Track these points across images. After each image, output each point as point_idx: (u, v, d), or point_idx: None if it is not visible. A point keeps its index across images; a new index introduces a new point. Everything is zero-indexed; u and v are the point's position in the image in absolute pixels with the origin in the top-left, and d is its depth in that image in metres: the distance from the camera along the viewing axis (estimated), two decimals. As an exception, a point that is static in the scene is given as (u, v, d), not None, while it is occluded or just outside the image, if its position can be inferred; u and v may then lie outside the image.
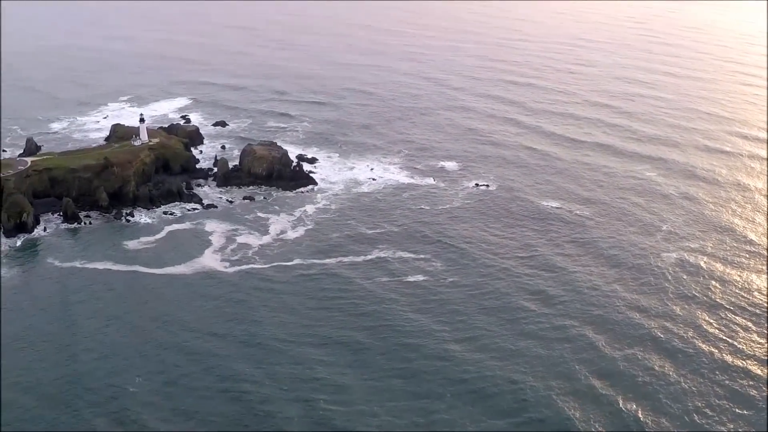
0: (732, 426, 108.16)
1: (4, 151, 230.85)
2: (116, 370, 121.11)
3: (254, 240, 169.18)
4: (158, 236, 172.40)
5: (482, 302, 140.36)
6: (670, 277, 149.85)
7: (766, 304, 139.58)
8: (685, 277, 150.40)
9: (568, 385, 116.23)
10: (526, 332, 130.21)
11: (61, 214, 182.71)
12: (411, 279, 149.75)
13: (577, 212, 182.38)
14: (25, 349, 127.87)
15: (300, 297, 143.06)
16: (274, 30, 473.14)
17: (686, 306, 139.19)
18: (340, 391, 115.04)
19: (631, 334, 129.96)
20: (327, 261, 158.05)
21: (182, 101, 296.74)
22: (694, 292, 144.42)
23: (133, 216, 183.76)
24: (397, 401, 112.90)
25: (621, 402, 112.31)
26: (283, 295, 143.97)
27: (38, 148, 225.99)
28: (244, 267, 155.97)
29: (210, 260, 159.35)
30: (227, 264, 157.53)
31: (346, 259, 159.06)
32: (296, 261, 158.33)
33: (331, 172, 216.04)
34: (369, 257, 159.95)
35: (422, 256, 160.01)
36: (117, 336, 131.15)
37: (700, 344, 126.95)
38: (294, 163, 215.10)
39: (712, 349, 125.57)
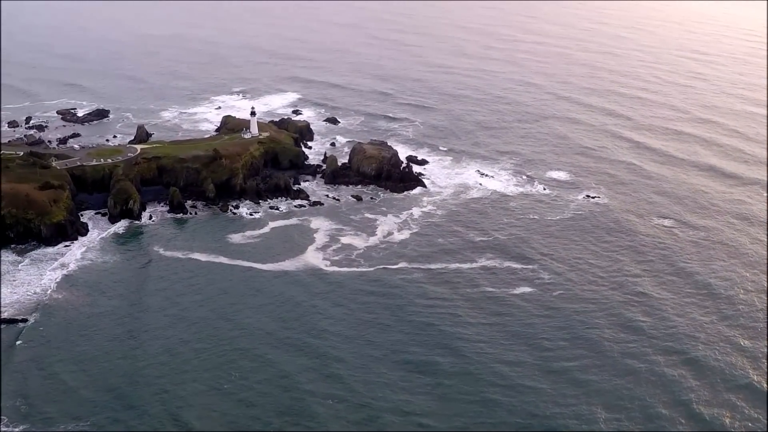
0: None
1: (114, 137, 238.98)
2: (176, 366, 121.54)
3: (359, 241, 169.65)
4: (262, 231, 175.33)
5: (577, 332, 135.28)
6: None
7: None
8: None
9: (658, 430, 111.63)
10: (619, 368, 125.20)
11: (168, 202, 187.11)
12: (508, 298, 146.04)
13: (684, 237, 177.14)
14: (101, 331, 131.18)
15: (394, 313, 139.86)
16: (383, 29, 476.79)
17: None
18: (413, 414, 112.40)
19: (730, 375, 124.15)
20: (427, 270, 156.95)
21: (292, 96, 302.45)
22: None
23: (238, 209, 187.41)
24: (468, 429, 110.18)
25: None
26: (376, 309, 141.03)
27: (149, 135, 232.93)
28: (344, 269, 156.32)
29: (312, 259, 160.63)
30: (328, 263, 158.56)
31: (447, 268, 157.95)
32: (398, 266, 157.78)
33: (440, 175, 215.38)
34: (470, 267, 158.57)
35: (524, 273, 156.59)
36: (190, 332, 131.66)
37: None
38: (403, 165, 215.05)
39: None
